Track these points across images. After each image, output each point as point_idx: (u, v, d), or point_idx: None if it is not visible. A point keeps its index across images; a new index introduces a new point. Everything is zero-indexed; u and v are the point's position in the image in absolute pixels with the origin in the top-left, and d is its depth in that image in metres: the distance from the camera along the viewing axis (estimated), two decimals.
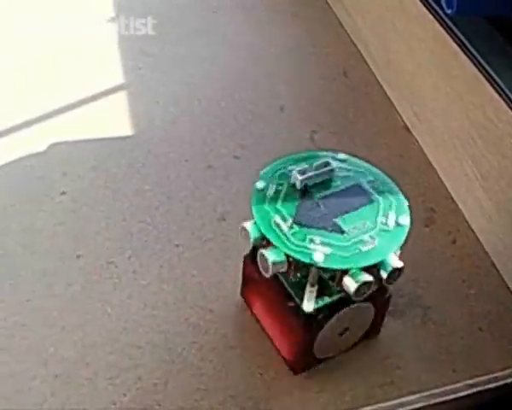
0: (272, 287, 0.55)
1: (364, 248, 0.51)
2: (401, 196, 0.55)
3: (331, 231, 0.52)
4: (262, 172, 0.56)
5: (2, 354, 0.57)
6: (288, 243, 0.50)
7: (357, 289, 0.50)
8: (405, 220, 0.53)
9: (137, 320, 0.60)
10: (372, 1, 0.93)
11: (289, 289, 0.54)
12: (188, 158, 0.74)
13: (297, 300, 0.53)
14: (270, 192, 0.54)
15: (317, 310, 0.53)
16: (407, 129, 0.83)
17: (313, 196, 0.54)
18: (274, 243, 0.50)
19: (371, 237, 0.52)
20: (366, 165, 0.58)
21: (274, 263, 0.50)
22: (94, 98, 0.84)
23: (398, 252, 0.54)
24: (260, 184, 0.55)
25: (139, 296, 0.62)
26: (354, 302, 0.53)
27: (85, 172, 0.74)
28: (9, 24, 0.95)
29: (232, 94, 0.86)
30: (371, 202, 0.54)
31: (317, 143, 0.79)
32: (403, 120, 0.84)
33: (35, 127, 0.79)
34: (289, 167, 0.56)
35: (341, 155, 0.59)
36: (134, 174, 0.74)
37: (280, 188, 0.55)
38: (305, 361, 0.57)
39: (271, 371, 0.58)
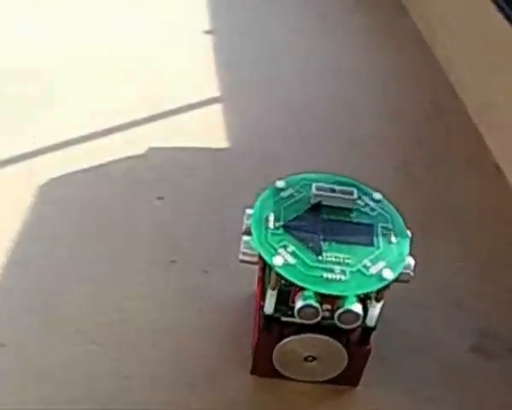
0: (261, 281, 0.58)
1: (327, 276, 0.50)
2: (406, 253, 0.53)
3: (308, 247, 0.52)
4: (289, 177, 0.58)
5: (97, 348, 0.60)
6: (261, 237, 0.52)
7: (301, 309, 0.50)
8: (389, 275, 0.51)
9: None
10: (468, 36, 0.92)
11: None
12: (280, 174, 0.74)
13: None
14: (285, 194, 0.57)
15: (283, 323, 0.54)
16: (497, 168, 0.80)
17: (320, 214, 0.55)
18: (252, 232, 0.53)
19: (343, 271, 0.51)
20: (395, 213, 0.56)
21: (244, 252, 0.53)
22: (192, 107, 0.89)
23: (378, 305, 0.52)
24: (280, 184, 0.57)
25: (232, 304, 0.64)
26: (318, 332, 0.53)
27: (182, 178, 0.78)
28: (119, 29, 1.05)
29: (326, 118, 0.88)
30: (370, 245, 0.53)
31: (402, 174, 0.79)
32: (494, 160, 0.81)
33: (137, 130, 0.85)
34: (316, 183, 0.57)
35: (377, 196, 0.58)
36: (229, 183, 0.78)
37: (295, 194, 0.57)
38: (261, 364, 0.58)
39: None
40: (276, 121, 0.89)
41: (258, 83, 0.96)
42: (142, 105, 0.89)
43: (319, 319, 0.51)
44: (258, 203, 0.55)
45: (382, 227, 0.55)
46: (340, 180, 0.58)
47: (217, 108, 0.90)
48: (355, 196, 0.56)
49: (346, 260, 0.52)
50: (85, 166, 0.79)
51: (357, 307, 0.50)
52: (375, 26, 1.11)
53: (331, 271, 0.51)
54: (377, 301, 0.53)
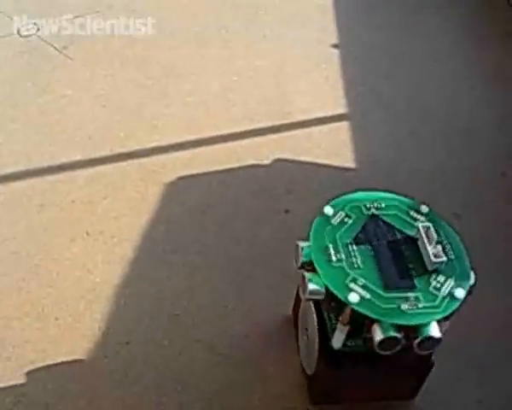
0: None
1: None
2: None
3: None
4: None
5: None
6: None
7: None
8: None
9: None
10: None
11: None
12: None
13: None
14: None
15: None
16: None
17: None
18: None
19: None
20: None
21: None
22: (320, 122, 0.86)
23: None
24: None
25: None
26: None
27: (308, 194, 0.75)
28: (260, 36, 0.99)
29: (452, 152, 0.84)
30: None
31: None
32: None
33: (262, 139, 0.83)
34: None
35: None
36: None
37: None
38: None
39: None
40: (403, 146, 0.84)
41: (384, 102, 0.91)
42: (269, 113, 0.86)
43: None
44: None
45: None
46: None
47: (344, 125, 0.86)
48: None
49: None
50: (210, 169, 0.78)
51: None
52: None
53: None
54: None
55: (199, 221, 0.73)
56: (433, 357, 0.56)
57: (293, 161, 0.79)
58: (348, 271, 0.51)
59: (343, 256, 0.52)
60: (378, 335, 0.49)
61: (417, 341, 0.49)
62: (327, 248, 0.52)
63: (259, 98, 0.88)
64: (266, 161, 0.79)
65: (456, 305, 0.50)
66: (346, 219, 0.55)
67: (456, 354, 0.62)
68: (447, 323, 0.52)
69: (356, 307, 0.49)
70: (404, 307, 0.49)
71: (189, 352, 0.62)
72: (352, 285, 0.50)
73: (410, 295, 0.50)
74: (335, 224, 0.54)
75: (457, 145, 0.84)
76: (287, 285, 0.63)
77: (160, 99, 0.87)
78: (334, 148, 0.82)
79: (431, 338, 0.49)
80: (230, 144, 0.81)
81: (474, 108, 0.89)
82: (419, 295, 0.50)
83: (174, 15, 1.00)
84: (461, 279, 0.52)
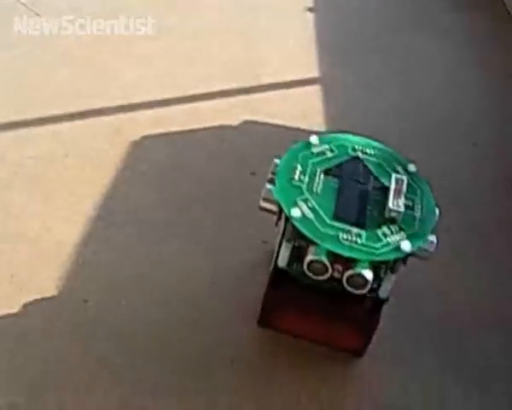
0: None
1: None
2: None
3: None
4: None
5: None
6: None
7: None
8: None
9: None
10: None
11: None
12: None
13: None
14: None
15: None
16: None
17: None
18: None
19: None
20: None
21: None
22: (290, 85, 0.86)
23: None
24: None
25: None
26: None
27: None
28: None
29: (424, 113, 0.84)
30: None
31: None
32: None
33: (230, 100, 0.82)
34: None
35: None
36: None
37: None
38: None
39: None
40: (378, 118, 0.85)
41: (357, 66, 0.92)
42: (237, 75, 0.87)
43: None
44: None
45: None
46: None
47: (315, 89, 0.87)
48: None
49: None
50: (176, 129, 0.78)
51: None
52: None
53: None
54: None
55: (162, 181, 0.72)
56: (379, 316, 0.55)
57: (261, 123, 0.79)
58: (304, 192, 0.52)
59: (306, 179, 0.53)
60: (309, 256, 0.50)
61: (347, 274, 0.49)
62: (295, 168, 0.54)
63: (230, 59, 0.89)
64: (234, 123, 0.79)
65: (396, 255, 0.49)
66: (327, 152, 0.56)
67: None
68: (392, 277, 0.51)
69: (295, 222, 0.50)
70: (343, 237, 0.49)
71: (146, 312, 0.61)
72: (300, 203, 0.51)
73: (354, 230, 0.50)
74: (315, 152, 0.55)
75: (431, 111, 0.84)
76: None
77: (127, 58, 0.87)
78: (303, 111, 0.82)
79: (361, 276, 0.49)
80: (198, 104, 0.81)
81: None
82: (363, 233, 0.50)
83: None
84: (415, 237, 0.50)
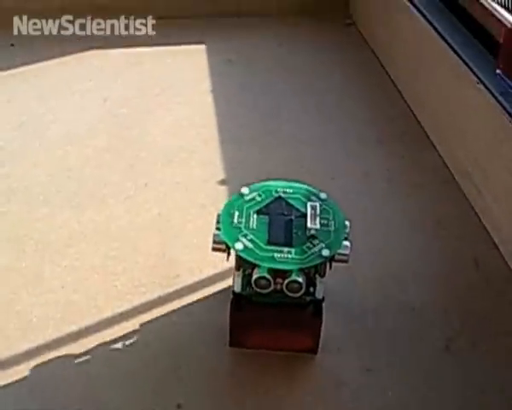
0: None
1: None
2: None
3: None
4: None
5: None
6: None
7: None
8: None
9: None
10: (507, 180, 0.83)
11: None
12: None
13: None
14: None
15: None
16: None
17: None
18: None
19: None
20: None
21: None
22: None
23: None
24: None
25: None
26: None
27: None
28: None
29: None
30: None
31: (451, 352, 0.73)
32: None
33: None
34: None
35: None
36: None
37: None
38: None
39: None
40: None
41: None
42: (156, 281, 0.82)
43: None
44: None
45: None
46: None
47: None
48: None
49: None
50: None
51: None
52: None
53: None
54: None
55: None
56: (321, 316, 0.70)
57: None
58: (243, 230, 0.67)
59: (243, 220, 0.68)
60: (255, 275, 0.65)
61: (285, 282, 0.64)
62: (233, 213, 0.69)
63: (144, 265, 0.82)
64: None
65: (320, 260, 0.64)
66: (256, 198, 0.71)
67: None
68: (322, 279, 0.67)
69: (239, 253, 0.65)
70: (277, 256, 0.65)
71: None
72: (241, 238, 0.66)
73: (285, 249, 0.65)
74: (247, 199, 0.71)
75: None
76: None
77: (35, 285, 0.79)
78: None
79: (295, 281, 0.64)
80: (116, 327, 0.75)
81: None
82: (292, 250, 0.65)
83: None
84: (332, 245, 0.66)
